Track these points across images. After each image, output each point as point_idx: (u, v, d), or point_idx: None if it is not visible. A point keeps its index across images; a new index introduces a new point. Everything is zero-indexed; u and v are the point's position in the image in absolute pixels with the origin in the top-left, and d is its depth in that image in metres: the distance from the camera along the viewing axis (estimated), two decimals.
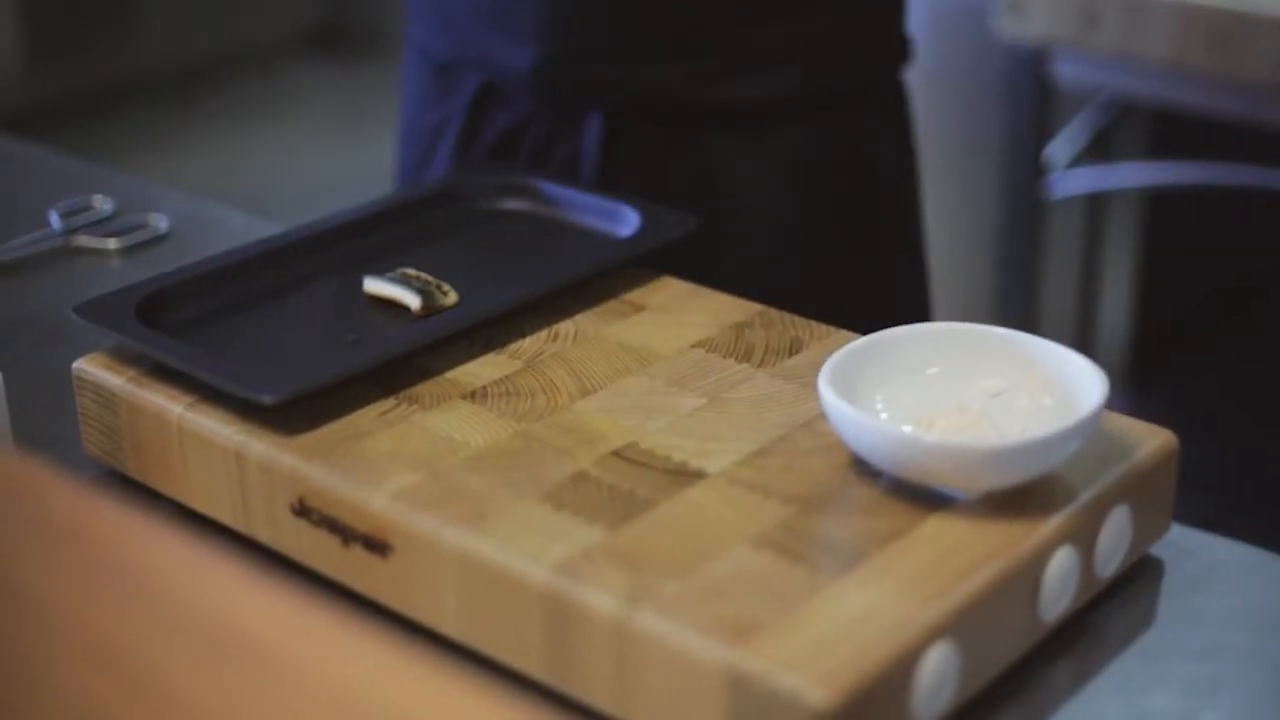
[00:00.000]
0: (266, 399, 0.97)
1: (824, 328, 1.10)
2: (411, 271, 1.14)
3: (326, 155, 4.42)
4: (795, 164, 1.42)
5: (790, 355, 1.07)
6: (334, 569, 0.96)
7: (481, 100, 1.45)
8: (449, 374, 1.05)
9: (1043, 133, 2.51)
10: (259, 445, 0.97)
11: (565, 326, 1.11)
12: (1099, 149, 2.63)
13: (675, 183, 1.40)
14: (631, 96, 1.39)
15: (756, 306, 1.13)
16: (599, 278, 1.16)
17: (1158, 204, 2.82)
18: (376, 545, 0.92)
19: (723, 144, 1.40)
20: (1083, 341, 2.72)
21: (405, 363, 1.05)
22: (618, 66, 1.38)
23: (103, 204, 1.47)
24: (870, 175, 1.47)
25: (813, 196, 1.43)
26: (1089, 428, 0.91)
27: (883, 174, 1.48)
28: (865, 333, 1.01)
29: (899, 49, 1.49)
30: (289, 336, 1.11)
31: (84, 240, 1.41)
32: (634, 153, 1.40)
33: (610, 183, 1.39)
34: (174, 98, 4.70)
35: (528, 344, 1.09)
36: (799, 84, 1.40)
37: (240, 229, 1.43)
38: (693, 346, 1.09)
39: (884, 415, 0.97)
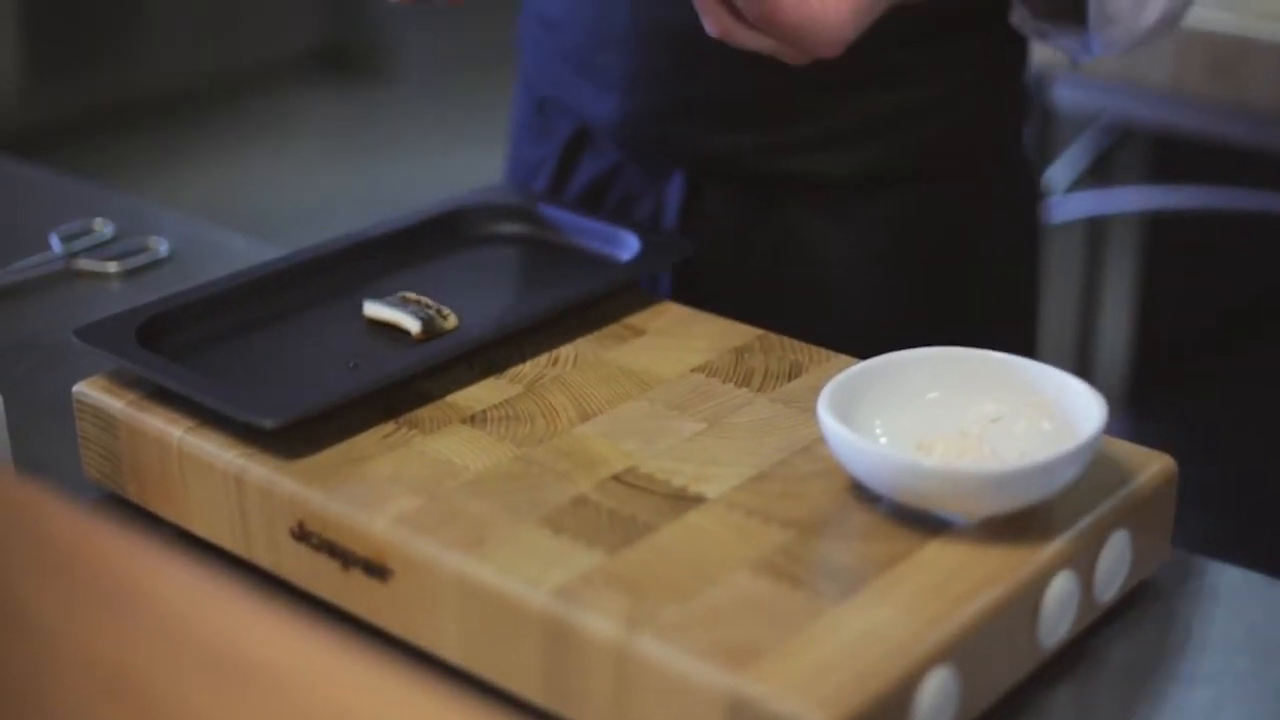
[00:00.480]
0: (267, 423, 0.97)
1: (823, 352, 1.11)
2: (411, 295, 1.14)
3: (327, 176, 4.43)
4: (885, 237, 1.35)
5: (790, 380, 1.07)
6: (334, 593, 0.96)
7: (574, 145, 1.44)
8: (449, 398, 1.05)
9: (1043, 156, 2.52)
10: (259, 469, 0.98)
11: (565, 350, 1.11)
12: (1099, 173, 2.64)
13: (756, 249, 1.36)
14: (712, 158, 1.35)
15: (756, 331, 1.14)
16: (599, 302, 1.16)
17: (1157, 228, 2.82)
18: (376, 569, 0.92)
19: (807, 213, 1.35)
20: (1083, 365, 2.73)
21: (405, 386, 1.05)
22: (699, 127, 1.34)
23: (103, 227, 1.47)
24: (970, 249, 1.40)
25: (904, 270, 1.37)
26: (1088, 453, 0.91)
27: (984, 248, 1.41)
28: None
29: (1011, 114, 1.42)
30: (289, 360, 1.11)
31: (84, 263, 1.42)
32: (714, 215, 1.36)
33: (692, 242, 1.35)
34: (175, 118, 4.71)
35: (528, 368, 1.09)
36: (890, 157, 1.35)
37: (241, 252, 1.43)
38: (693, 371, 1.09)
39: (883, 440, 0.97)
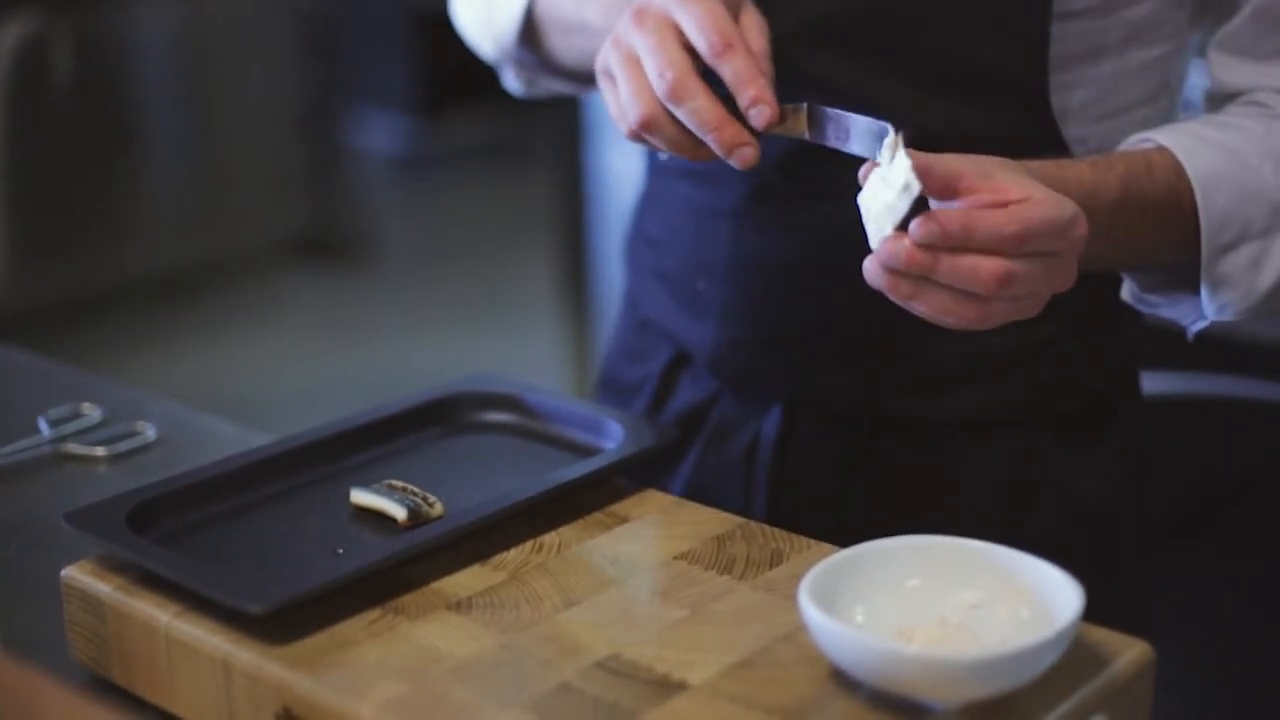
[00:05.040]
0: (254, 608, 0.98)
1: (804, 540, 1.12)
2: (398, 483, 1.16)
3: (311, 363, 4.45)
4: (986, 482, 1.33)
5: (771, 567, 1.08)
6: None
7: (673, 369, 1.43)
8: (434, 584, 1.06)
9: None
10: (246, 654, 0.98)
11: (549, 538, 1.13)
12: None
13: (854, 488, 1.34)
14: (809, 394, 1.34)
15: (737, 519, 1.15)
16: (583, 490, 1.18)
17: (1147, 413, 2.84)
18: None
19: (907, 455, 1.33)
20: None
21: (391, 573, 1.06)
22: (796, 362, 1.33)
23: (91, 411, 1.49)
24: (1074, 499, 1.35)
25: (1003, 519, 1.32)
26: (1066, 639, 0.92)
27: (1089, 498, 1.36)
28: None
29: (1120, 363, 1.39)
30: (277, 546, 1.12)
31: (73, 447, 1.43)
32: (812, 451, 1.34)
33: (788, 477, 1.35)
34: (160, 304, 4.74)
35: (512, 555, 1.10)
36: (992, 403, 1.32)
37: (227, 438, 1.45)
38: (675, 558, 1.10)
39: (864, 627, 0.98)
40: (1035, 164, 1.12)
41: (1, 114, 4.36)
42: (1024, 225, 0.99)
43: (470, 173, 5.86)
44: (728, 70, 1.09)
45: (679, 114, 1.09)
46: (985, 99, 1.22)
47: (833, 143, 1.09)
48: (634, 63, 1.11)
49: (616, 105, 1.13)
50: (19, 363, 1.69)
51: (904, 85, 1.22)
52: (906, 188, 0.99)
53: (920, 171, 0.99)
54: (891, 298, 1.02)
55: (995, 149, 1.07)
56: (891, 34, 1.22)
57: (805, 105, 1.10)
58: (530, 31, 1.41)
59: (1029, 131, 1.23)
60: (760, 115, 1.08)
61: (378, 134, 5.89)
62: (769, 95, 1.08)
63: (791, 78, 1.24)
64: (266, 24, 5.04)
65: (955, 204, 1.01)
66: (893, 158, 1.01)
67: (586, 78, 1.37)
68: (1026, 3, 1.20)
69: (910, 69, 1.22)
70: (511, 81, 1.50)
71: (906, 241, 0.99)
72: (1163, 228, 1.20)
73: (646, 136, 1.12)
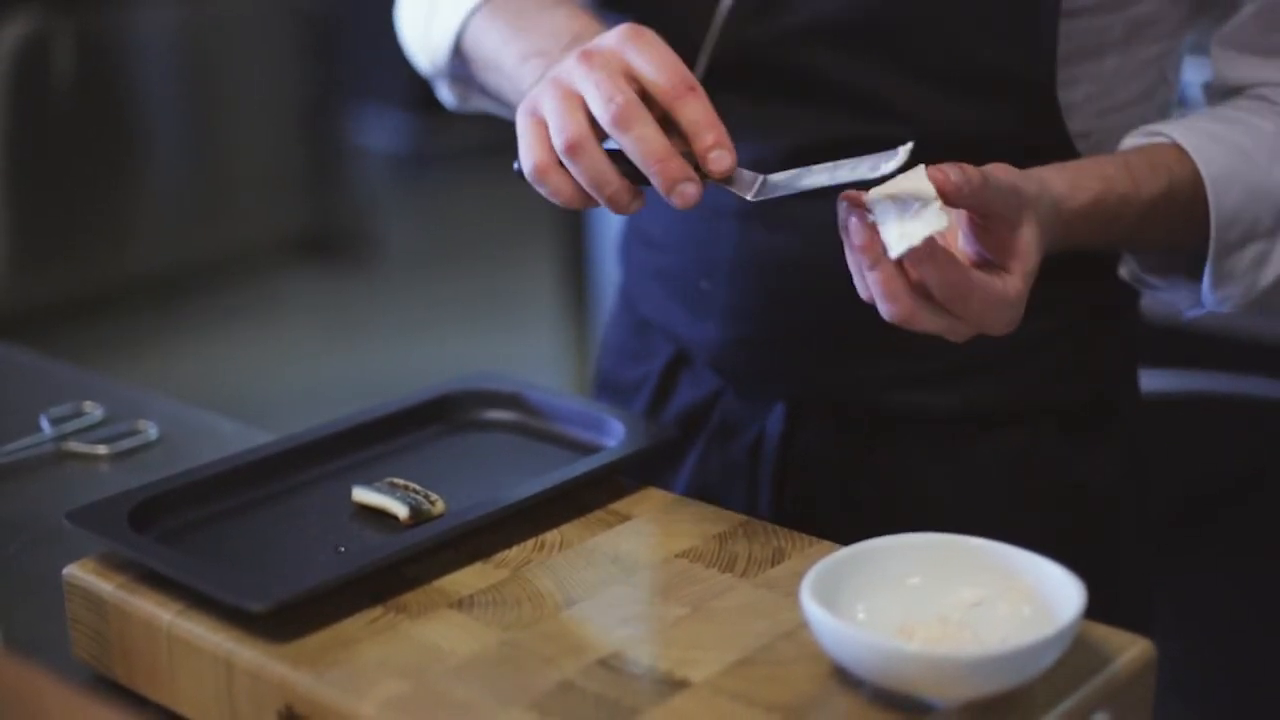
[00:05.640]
0: (255, 607, 0.98)
1: (805, 538, 1.12)
2: (400, 481, 1.16)
3: (312, 361, 4.46)
4: (993, 476, 1.33)
5: (773, 565, 1.09)
6: None
7: (673, 368, 1.43)
8: (436, 583, 1.06)
9: None
10: (247, 652, 0.98)
11: (551, 536, 1.13)
12: None
13: (859, 485, 1.34)
14: (813, 391, 1.34)
15: (739, 517, 1.15)
16: (584, 487, 1.18)
17: (1146, 411, 2.84)
18: None
19: (912, 449, 1.33)
20: None
21: (393, 571, 1.06)
22: (800, 359, 1.33)
23: (93, 410, 1.49)
24: (1076, 494, 1.36)
25: (1006, 516, 1.27)
26: (1068, 637, 0.92)
27: (1091, 493, 1.36)
28: None
29: (1121, 357, 1.40)
30: (278, 544, 1.12)
31: (74, 446, 1.43)
32: (816, 448, 1.34)
33: (792, 475, 1.35)
34: (163, 303, 4.75)
35: (514, 553, 1.10)
36: (995, 396, 1.32)
37: (229, 436, 1.45)
38: (677, 556, 1.10)
39: (866, 624, 0.98)
40: (1051, 171, 1.14)
41: (2, 114, 4.36)
42: (985, 304, 1.03)
43: (471, 171, 5.86)
44: (690, 110, 1.05)
45: (623, 141, 1.04)
46: (993, 96, 1.23)
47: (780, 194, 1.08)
48: (571, 97, 1.06)
49: (533, 142, 1.08)
50: (20, 362, 1.70)
51: (911, 84, 1.22)
52: (939, 217, 0.99)
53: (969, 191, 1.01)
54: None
55: (1002, 146, 1.09)
56: (900, 33, 1.22)
57: (762, 179, 1.09)
58: (460, 55, 1.40)
59: (1035, 128, 1.24)
60: (720, 160, 1.05)
61: (378, 132, 5.90)
62: (729, 142, 1.06)
63: (798, 80, 1.24)
64: (266, 23, 5.04)
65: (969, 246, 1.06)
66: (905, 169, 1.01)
67: (508, 105, 1.33)
68: (1037, 0, 1.20)
69: (918, 68, 1.22)
70: (445, 95, 1.49)
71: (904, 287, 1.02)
72: (1170, 223, 1.22)
73: (546, 179, 1.08)
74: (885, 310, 1.04)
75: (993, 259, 1.06)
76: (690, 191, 1.05)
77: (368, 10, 5.53)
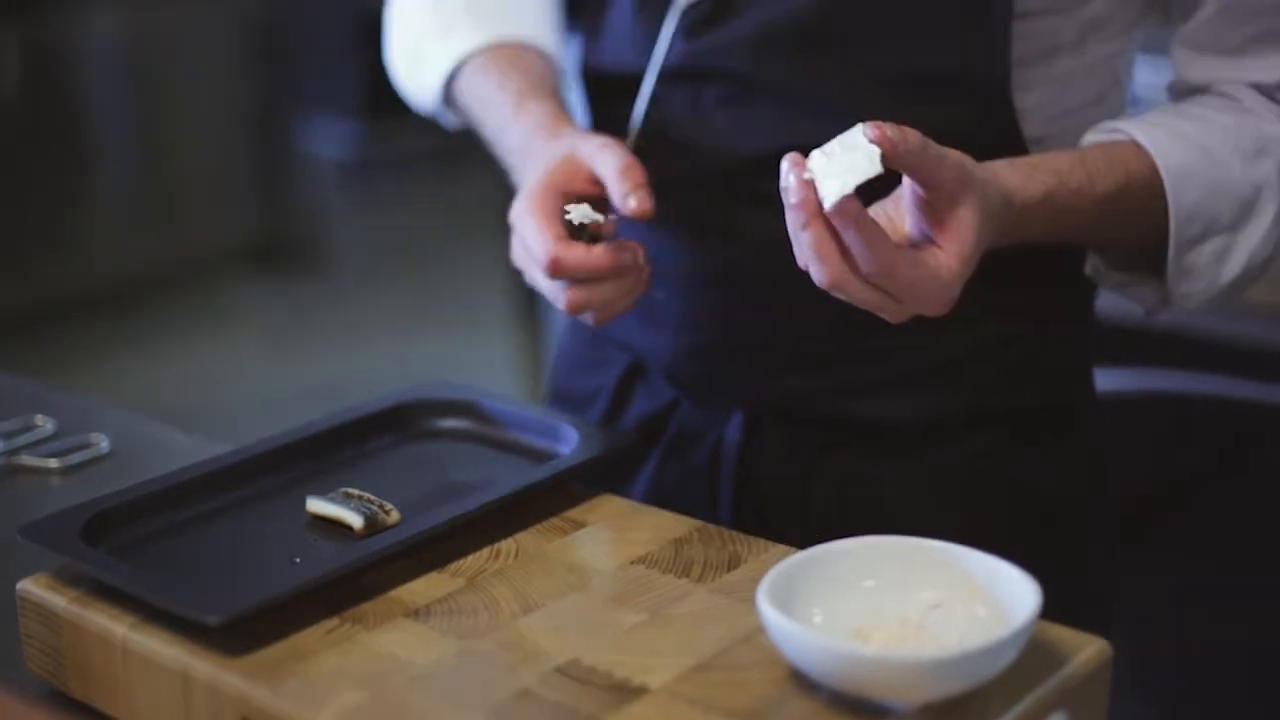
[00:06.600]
0: (211, 619, 0.98)
1: (761, 542, 1.12)
2: (354, 491, 1.16)
3: (265, 370, 4.44)
4: (948, 484, 1.33)
5: (729, 570, 1.09)
6: None
7: (629, 379, 1.43)
8: (392, 592, 1.06)
9: None
10: (204, 665, 0.98)
11: (506, 544, 1.13)
12: None
13: (816, 492, 1.34)
14: (769, 400, 1.33)
15: (695, 522, 1.15)
16: (539, 495, 1.18)
17: (1101, 410, 2.84)
18: None
19: (868, 458, 1.33)
20: None
21: (349, 582, 1.06)
22: (755, 368, 1.33)
23: (44, 423, 1.48)
24: (1031, 498, 1.36)
25: (968, 518, 1.30)
26: (1023, 638, 0.93)
27: (1046, 496, 1.36)
28: None
29: (1076, 363, 1.40)
30: (233, 556, 1.12)
31: (26, 460, 1.42)
32: (773, 457, 1.34)
33: (750, 483, 1.34)
34: (112, 313, 4.72)
35: (470, 562, 1.10)
36: (949, 403, 1.32)
37: (182, 449, 1.44)
38: (633, 563, 1.10)
39: (822, 628, 0.98)
40: (1004, 164, 1.15)
41: None
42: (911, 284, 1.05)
43: (421, 178, 5.85)
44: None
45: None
46: (948, 101, 1.23)
47: None
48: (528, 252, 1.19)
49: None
50: None
51: (864, 89, 1.23)
52: (871, 161, 1.01)
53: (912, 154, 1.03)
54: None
55: (958, 149, 1.10)
56: (851, 39, 1.23)
57: None
58: (452, 103, 1.46)
59: (991, 132, 1.24)
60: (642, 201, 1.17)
61: (327, 140, 5.87)
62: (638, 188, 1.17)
63: (749, 87, 1.24)
64: (214, 31, 5.02)
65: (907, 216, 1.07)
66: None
67: None
68: (988, 3, 1.21)
69: (870, 73, 1.23)
70: (450, 121, 1.51)
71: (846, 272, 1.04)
72: (1127, 218, 1.23)
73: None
74: (817, 274, 1.05)
75: (931, 235, 1.07)
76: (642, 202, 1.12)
77: (315, 16, 5.52)
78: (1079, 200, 1.19)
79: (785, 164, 1.04)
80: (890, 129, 1.02)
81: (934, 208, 1.06)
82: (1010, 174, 1.15)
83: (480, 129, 1.42)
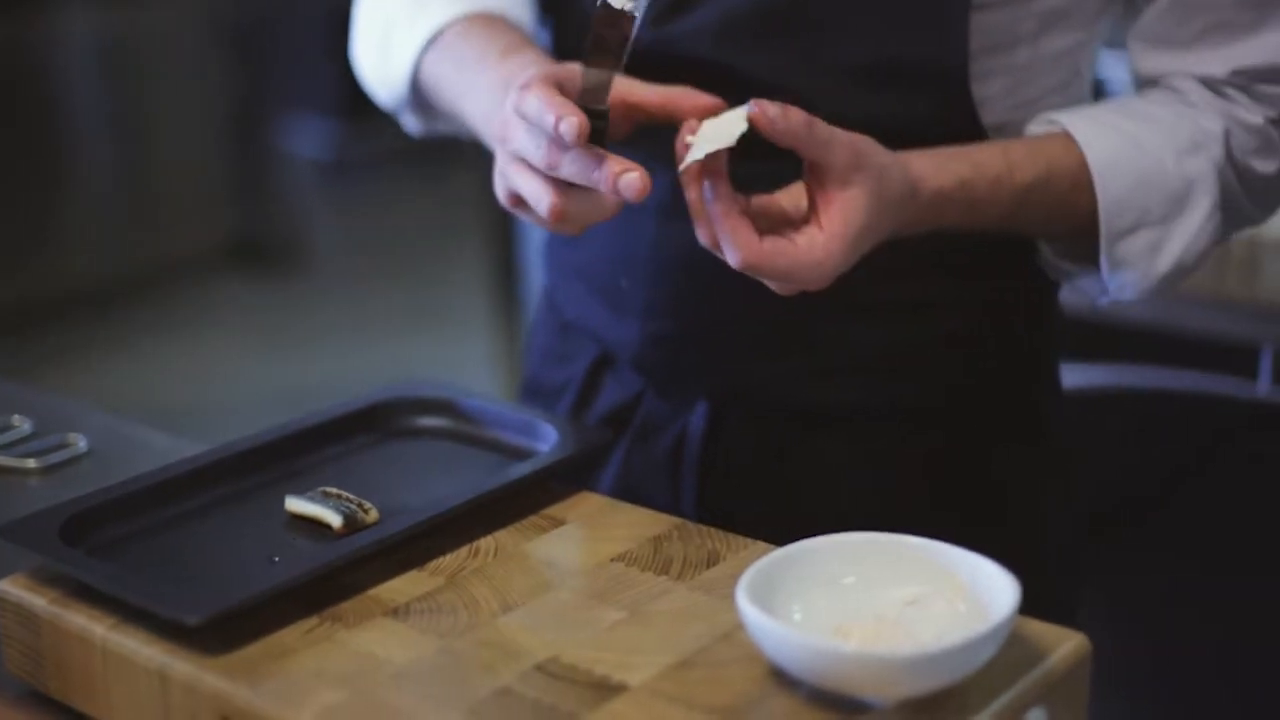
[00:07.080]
0: (190, 619, 0.98)
1: (741, 539, 1.12)
2: (332, 490, 1.15)
3: (243, 369, 4.43)
4: (914, 477, 1.34)
5: (709, 567, 1.09)
6: None
7: (597, 370, 1.43)
8: (371, 591, 1.06)
9: None
10: (182, 665, 0.98)
11: (485, 543, 1.13)
12: None
13: (781, 481, 1.34)
14: (733, 388, 1.34)
15: (674, 520, 1.15)
16: (518, 493, 1.18)
17: (1074, 406, 2.85)
18: None
19: (832, 449, 1.34)
20: None
21: (328, 581, 1.06)
22: (718, 356, 1.34)
23: (22, 423, 1.48)
24: (998, 492, 1.37)
25: (934, 512, 1.30)
26: (1003, 634, 0.93)
27: (1013, 490, 1.37)
28: None
29: (1038, 358, 1.41)
30: (211, 556, 1.12)
31: (3, 460, 1.42)
32: (738, 445, 1.35)
33: (715, 473, 1.35)
34: (90, 313, 4.71)
35: (449, 560, 1.10)
36: (912, 394, 1.33)
37: (160, 449, 1.44)
38: (612, 560, 1.10)
39: (802, 625, 0.98)
40: (916, 153, 1.17)
41: None
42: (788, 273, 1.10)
43: (398, 177, 5.85)
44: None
45: (563, 174, 1.10)
46: (907, 90, 1.24)
47: None
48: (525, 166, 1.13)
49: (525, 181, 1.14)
50: None
51: (825, 78, 1.24)
52: (731, 135, 1.07)
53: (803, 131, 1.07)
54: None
55: (917, 138, 1.15)
56: (812, 28, 1.24)
57: None
58: (418, 89, 1.43)
59: (950, 120, 1.25)
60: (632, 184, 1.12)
61: (305, 140, 5.87)
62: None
63: (714, 75, 1.24)
64: (193, 32, 5.02)
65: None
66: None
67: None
68: None
69: (831, 62, 1.24)
70: (409, 123, 1.50)
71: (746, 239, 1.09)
72: (1050, 208, 1.25)
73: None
74: (698, 232, 1.12)
75: (810, 215, 1.11)
76: (635, 182, 1.09)
77: (293, 16, 5.51)
78: (997, 190, 1.21)
79: (678, 141, 1.10)
80: (772, 107, 1.06)
81: (823, 187, 1.10)
82: (921, 162, 1.17)
83: (451, 97, 1.37)
